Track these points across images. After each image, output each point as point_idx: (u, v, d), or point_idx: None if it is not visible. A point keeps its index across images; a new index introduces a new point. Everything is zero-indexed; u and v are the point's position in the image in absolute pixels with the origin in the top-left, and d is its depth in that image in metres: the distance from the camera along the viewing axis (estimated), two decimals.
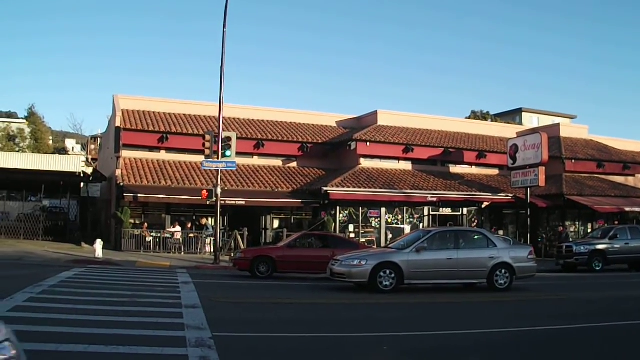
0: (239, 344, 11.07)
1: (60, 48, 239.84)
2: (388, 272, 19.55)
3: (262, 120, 47.37)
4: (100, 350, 9.79)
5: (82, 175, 38.98)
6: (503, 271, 21.08)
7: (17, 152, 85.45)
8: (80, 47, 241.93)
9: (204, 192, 32.32)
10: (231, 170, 34.90)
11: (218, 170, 31.43)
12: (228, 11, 31.23)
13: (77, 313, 13.25)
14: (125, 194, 36.75)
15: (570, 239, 39.17)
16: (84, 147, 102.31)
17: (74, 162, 39.06)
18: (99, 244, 30.76)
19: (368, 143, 44.14)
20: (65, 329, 11.22)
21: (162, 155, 42.35)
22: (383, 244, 39.51)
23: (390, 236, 41.02)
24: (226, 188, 35.68)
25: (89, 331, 11.17)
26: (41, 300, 14.94)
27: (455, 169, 48.13)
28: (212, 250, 35.13)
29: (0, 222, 46.11)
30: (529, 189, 42.54)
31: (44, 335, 10.57)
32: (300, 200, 40.25)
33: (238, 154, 32.36)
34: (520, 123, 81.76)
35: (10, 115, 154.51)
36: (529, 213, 42.48)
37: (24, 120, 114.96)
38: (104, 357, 9.61)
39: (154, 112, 44.57)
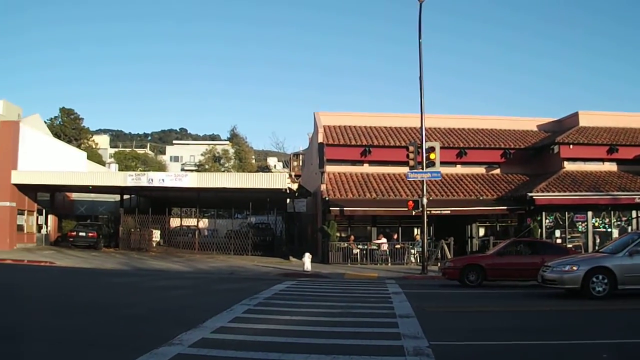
0: (456, 353, 11.07)
1: (256, 74, 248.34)
2: (600, 277, 18.78)
3: (463, 129, 47.25)
4: (320, 359, 10.10)
5: (287, 191, 40.01)
6: None
7: (223, 172, 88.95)
8: (279, 68, 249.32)
9: (410, 202, 32.48)
10: (435, 179, 34.81)
11: (423, 180, 31.49)
12: (422, 22, 31.56)
13: (294, 324, 13.77)
14: (331, 208, 37.57)
15: None
16: (286, 164, 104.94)
17: (280, 179, 40.21)
18: (307, 257, 31.52)
19: (571, 146, 42.85)
20: (284, 339, 11.70)
21: (365, 169, 43.11)
22: (590, 249, 38.22)
23: (597, 240, 39.61)
24: (431, 198, 35.64)
25: (307, 341, 11.53)
26: (258, 311, 15.61)
27: None
28: (418, 260, 35.26)
29: (211, 238, 48.33)
30: None
31: (266, 345, 11.10)
32: (505, 207, 39.69)
33: (441, 163, 32.09)
34: None
35: (213, 137, 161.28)
36: None
37: (227, 142, 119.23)
38: None
39: (354, 127, 45.47)
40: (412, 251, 37.93)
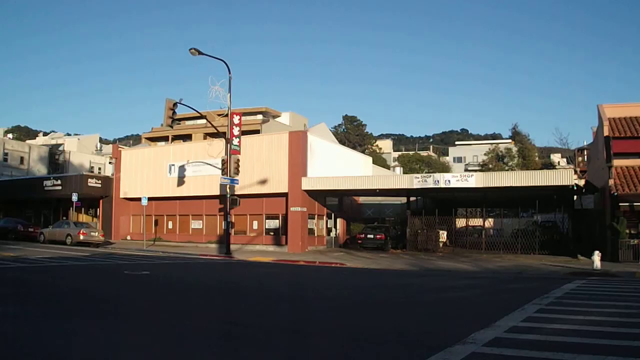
0: None
1: (532, 70, 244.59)
2: None
3: None
4: None
5: (574, 187, 39.28)
6: None
7: (506, 170, 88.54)
8: (558, 62, 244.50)
9: None
10: None
11: None
12: None
13: (587, 324, 13.48)
14: (619, 204, 36.45)
15: None
16: (570, 160, 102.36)
17: (566, 175, 39.45)
18: (597, 255, 30.94)
19: None
20: (578, 339, 11.50)
21: None
22: None
23: None
24: None
25: (602, 342, 11.29)
26: (550, 311, 15.47)
27: None
28: None
29: (497, 238, 48.27)
30: None
31: (559, 345, 10.97)
32: None
33: None
34: None
35: (494, 136, 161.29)
36: None
37: (509, 140, 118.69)
38: None
39: None
40: None
